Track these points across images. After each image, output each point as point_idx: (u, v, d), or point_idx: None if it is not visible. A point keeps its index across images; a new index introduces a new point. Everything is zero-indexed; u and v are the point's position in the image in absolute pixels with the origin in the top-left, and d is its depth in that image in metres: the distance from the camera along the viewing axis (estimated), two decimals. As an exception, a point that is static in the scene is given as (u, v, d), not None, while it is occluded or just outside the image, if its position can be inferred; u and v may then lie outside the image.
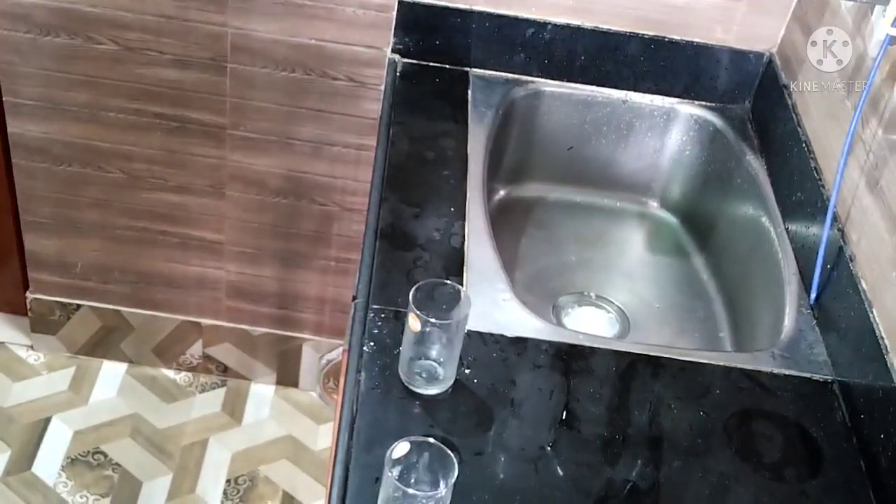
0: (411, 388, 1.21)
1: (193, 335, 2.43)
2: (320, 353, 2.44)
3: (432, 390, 1.21)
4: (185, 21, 1.90)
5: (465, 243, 1.44)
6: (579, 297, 1.68)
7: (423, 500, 1.03)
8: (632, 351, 1.33)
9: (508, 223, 1.73)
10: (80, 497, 2.16)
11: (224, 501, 2.23)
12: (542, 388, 1.26)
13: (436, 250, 1.41)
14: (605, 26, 1.76)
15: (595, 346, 1.33)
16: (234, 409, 2.44)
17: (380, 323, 1.29)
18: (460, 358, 1.22)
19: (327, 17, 1.87)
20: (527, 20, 1.75)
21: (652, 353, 1.33)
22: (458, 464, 1.03)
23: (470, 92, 1.76)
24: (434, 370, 1.20)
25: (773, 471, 1.21)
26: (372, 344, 1.26)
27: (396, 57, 1.80)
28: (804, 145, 1.56)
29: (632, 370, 1.30)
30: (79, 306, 2.38)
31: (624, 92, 1.81)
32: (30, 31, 1.94)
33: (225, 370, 2.49)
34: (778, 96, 1.70)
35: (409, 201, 1.46)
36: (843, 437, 1.26)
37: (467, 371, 1.25)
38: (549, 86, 1.80)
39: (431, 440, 1.06)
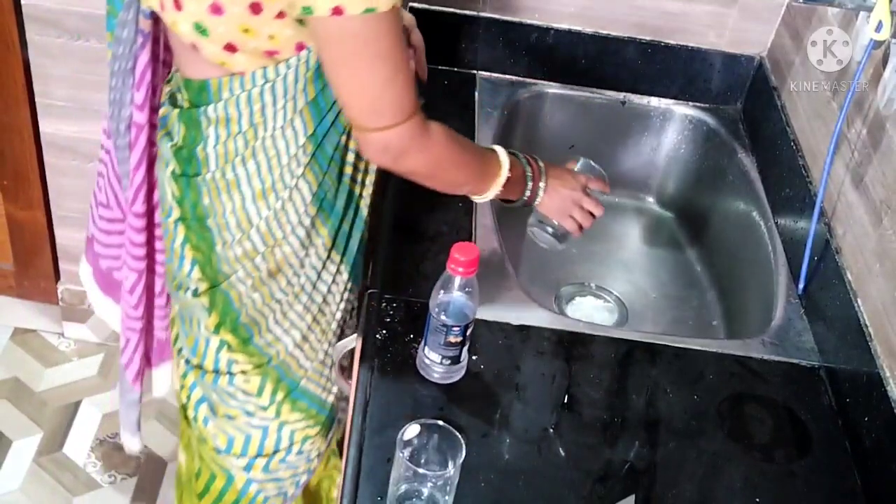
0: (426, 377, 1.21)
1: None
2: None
3: (444, 381, 1.21)
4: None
5: (473, 236, 1.44)
6: (580, 288, 1.68)
7: (433, 480, 1.03)
8: (630, 338, 1.34)
9: (513, 217, 1.73)
10: (108, 476, 2.17)
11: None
12: (544, 373, 1.26)
13: (445, 243, 1.41)
14: (604, 32, 1.76)
15: (595, 333, 1.33)
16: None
17: (391, 312, 1.29)
18: (468, 345, 1.21)
19: (341, 23, 1.86)
20: (531, 26, 1.75)
21: (649, 341, 1.33)
22: (466, 445, 1.04)
23: (477, 94, 1.76)
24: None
25: (763, 451, 1.21)
26: (384, 332, 1.26)
27: (407, 60, 1.80)
28: (793, 144, 1.56)
29: (630, 356, 1.31)
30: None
31: (622, 94, 1.80)
32: (61, 35, 1.95)
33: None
34: (768, 98, 1.69)
35: (419, 197, 1.46)
36: (829, 420, 1.26)
37: (474, 357, 1.25)
38: (552, 88, 1.80)
39: (440, 423, 1.06)
